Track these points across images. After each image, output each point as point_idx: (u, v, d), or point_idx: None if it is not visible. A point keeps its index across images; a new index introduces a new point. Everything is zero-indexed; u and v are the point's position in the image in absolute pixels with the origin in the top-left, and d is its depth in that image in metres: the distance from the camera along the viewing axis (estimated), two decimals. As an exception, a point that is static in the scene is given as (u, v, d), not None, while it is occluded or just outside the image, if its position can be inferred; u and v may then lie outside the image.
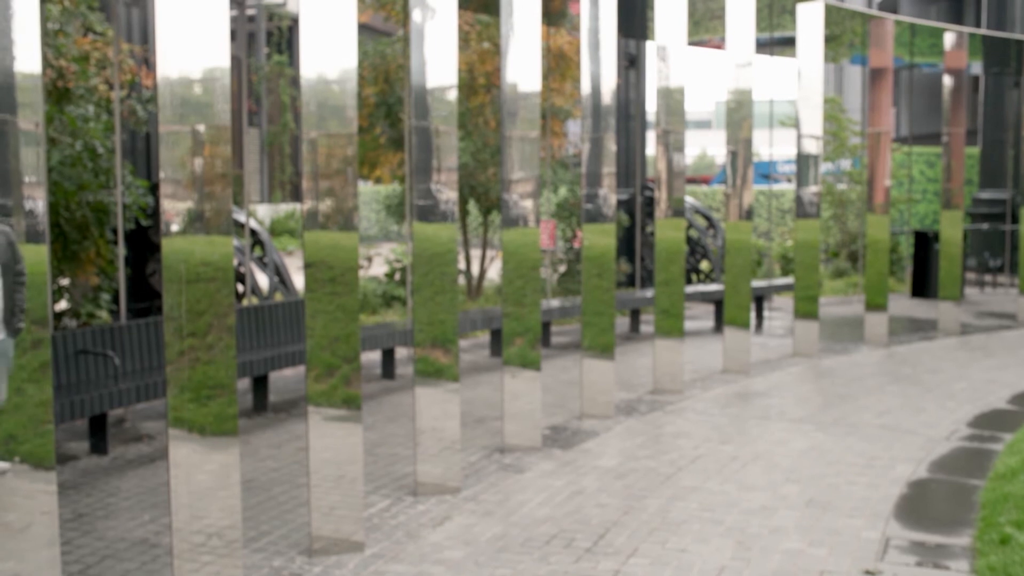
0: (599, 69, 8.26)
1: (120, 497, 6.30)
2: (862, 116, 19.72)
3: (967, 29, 13.93)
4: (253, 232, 12.52)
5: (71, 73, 8.67)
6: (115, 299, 9.41)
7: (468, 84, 14.14)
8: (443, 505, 6.16)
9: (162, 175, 4.67)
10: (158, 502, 6.12)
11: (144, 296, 10.82)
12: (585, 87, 8.25)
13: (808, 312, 11.53)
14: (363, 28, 18.40)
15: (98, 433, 7.20)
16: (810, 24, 11.31)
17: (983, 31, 14.75)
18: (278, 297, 12.23)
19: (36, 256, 4.52)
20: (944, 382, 10.03)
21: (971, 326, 14.02)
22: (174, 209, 4.68)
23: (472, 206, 15.39)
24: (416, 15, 6.25)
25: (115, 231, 8.73)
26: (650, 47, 15.78)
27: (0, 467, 4.52)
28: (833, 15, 11.74)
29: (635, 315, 13.36)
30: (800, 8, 11.30)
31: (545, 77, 13.63)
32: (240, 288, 11.45)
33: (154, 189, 9.80)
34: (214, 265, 4.70)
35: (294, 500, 6.23)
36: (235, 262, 11.14)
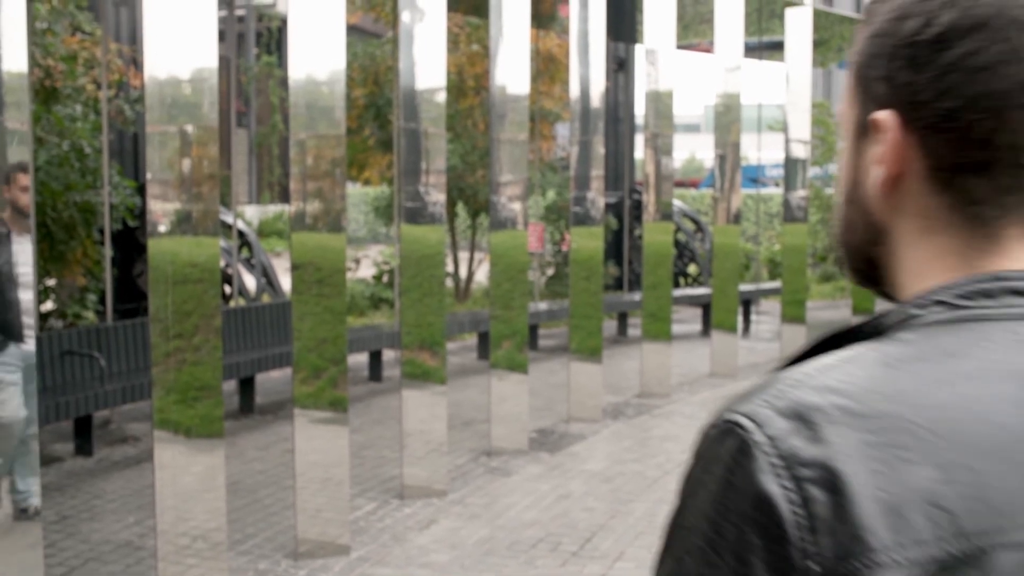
0: (588, 72, 8.26)
1: (105, 499, 6.27)
2: (850, 121, 19.77)
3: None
4: (241, 233, 12.49)
5: (59, 72, 8.63)
6: (101, 300, 9.37)
7: (457, 86, 14.14)
8: (429, 508, 6.14)
9: (149, 176, 4.66)
10: (143, 504, 6.09)
11: (131, 297, 10.78)
12: (574, 90, 8.25)
13: (796, 316, 11.55)
14: (352, 29, 18.38)
15: (83, 434, 7.16)
16: (798, 28, 11.33)
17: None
18: (265, 299, 12.20)
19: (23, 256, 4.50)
20: (930, 387, 10.05)
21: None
22: (161, 210, 4.66)
23: (460, 208, 15.39)
24: (405, 17, 6.24)
25: (102, 231, 8.69)
26: (639, 50, 15.80)
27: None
28: (821, 20, 11.78)
29: (623, 318, 13.37)
30: (788, 13, 11.33)
31: (534, 80, 13.64)
32: (227, 289, 11.41)
33: (142, 190, 9.76)
34: (201, 266, 4.69)
35: (280, 503, 6.21)
36: (222, 263, 11.10)
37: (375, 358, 10.03)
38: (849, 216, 0.88)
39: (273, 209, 29.80)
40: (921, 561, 0.66)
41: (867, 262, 0.88)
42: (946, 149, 0.79)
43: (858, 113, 0.85)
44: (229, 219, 11.53)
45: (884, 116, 0.81)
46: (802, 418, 0.70)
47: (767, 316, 15.39)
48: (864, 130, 0.84)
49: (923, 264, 0.82)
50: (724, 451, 0.72)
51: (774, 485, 0.68)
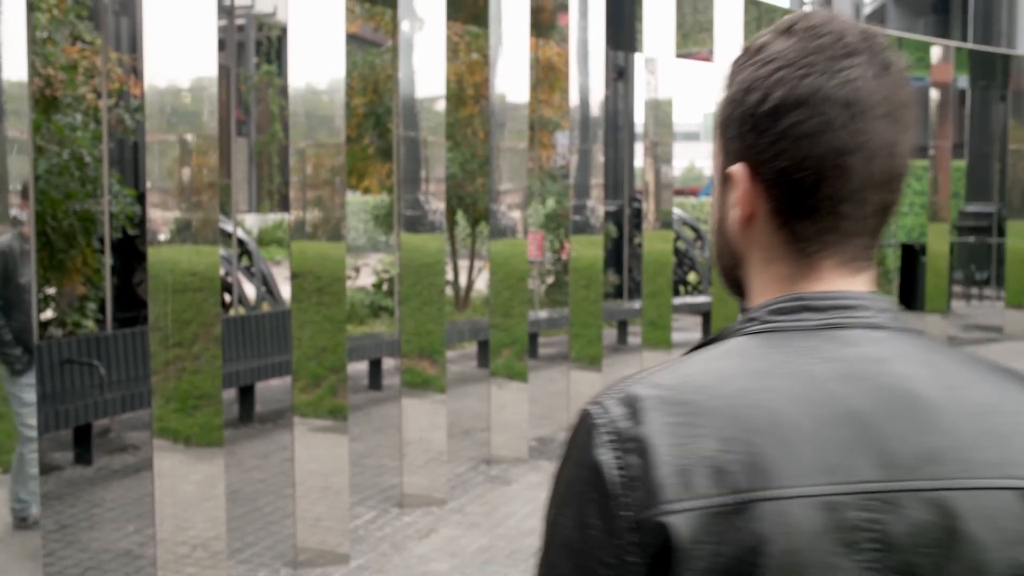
0: (587, 81, 8.27)
1: (104, 508, 6.27)
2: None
3: (954, 43, 14.02)
4: (240, 242, 12.49)
5: (59, 82, 8.64)
6: (101, 308, 9.37)
7: (457, 95, 14.15)
8: (429, 517, 6.14)
9: (149, 184, 4.66)
10: (143, 513, 6.08)
11: (130, 306, 10.78)
12: (573, 99, 8.26)
13: (795, 324, 11.54)
14: (352, 38, 18.40)
15: (83, 443, 7.16)
16: (798, 37, 11.34)
17: (970, 45, 14.84)
18: (265, 307, 12.20)
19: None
20: (930, 395, 10.04)
21: (958, 339, 14.07)
22: (161, 218, 4.66)
23: (460, 217, 15.40)
24: (405, 26, 6.26)
25: (102, 240, 8.70)
26: (639, 59, 15.83)
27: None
28: (821, 29, 11.76)
29: (623, 326, 13.36)
30: (788, 21, 11.33)
31: (534, 88, 13.65)
32: (227, 298, 11.42)
33: (141, 198, 9.77)
34: (201, 275, 4.69)
35: (279, 511, 6.20)
36: (222, 272, 11.10)
37: (375, 366, 10.02)
38: (719, 244, 1.09)
39: (273, 217, 29.80)
40: (699, 508, 0.88)
41: (733, 280, 1.09)
42: (782, 198, 0.99)
43: (721, 163, 1.05)
44: (229, 228, 11.53)
45: (737, 169, 1.01)
46: (632, 406, 0.93)
47: (767, 324, 15.36)
48: (725, 177, 1.04)
49: (764, 286, 1.03)
50: (581, 431, 0.96)
51: (606, 456, 0.91)
